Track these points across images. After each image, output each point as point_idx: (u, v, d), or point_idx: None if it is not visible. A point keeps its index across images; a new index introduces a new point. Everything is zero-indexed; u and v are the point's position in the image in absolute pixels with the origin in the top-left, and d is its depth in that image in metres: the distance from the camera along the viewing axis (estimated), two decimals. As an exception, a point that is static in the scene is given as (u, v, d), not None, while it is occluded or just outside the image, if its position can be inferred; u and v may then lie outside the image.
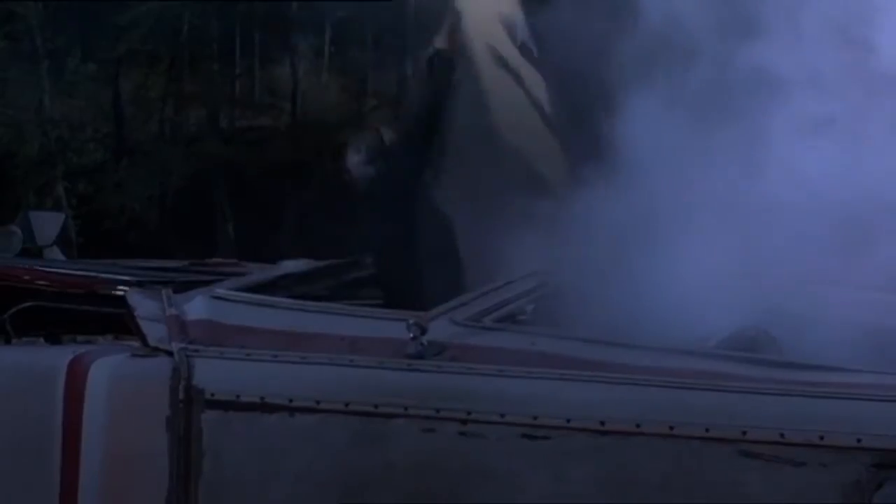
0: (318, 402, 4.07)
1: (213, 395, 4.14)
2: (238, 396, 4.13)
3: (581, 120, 5.27)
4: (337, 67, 22.36)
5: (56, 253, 6.54)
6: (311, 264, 5.71)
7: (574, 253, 5.40)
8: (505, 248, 5.35)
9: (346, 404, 4.06)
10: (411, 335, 4.21)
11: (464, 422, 3.98)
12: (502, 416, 3.96)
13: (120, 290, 4.97)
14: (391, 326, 4.34)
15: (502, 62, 5.70)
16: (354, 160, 5.56)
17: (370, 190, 5.33)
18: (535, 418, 3.94)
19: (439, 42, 5.33)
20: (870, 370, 4.12)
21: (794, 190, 5.03)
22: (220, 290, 4.83)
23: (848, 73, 5.11)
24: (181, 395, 4.15)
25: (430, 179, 5.30)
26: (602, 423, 3.90)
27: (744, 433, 3.81)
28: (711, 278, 4.97)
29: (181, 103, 21.36)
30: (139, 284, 5.04)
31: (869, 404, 3.85)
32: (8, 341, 4.77)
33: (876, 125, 5.04)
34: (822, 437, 3.76)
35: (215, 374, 4.19)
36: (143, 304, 4.74)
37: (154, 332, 4.47)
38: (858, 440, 3.74)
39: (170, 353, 4.25)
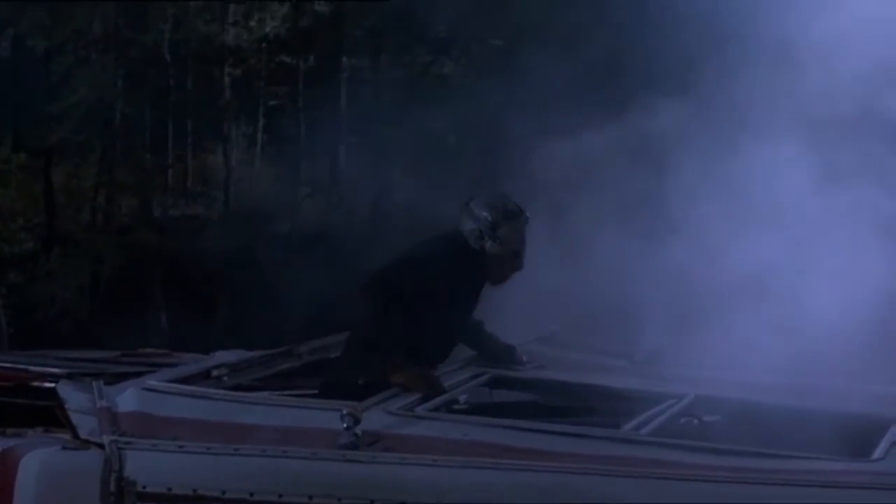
0: (251, 494, 4.04)
1: (144, 487, 4.10)
2: (170, 489, 4.09)
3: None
4: (270, 156, 22.38)
5: (-14, 344, 6.49)
6: (243, 354, 5.69)
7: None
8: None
9: (280, 496, 4.04)
10: (345, 425, 4.19)
11: (398, 512, 3.97)
12: (436, 506, 3.96)
13: (50, 383, 4.93)
14: (325, 417, 4.33)
15: None
16: None
17: None
18: (470, 508, 3.94)
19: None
20: (801, 455, 4.15)
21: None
22: (151, 382, 4.81)
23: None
24: (112, 488, 4.11)
25: None
26: (536, 512, 3.90)
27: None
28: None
29: (113, 192, 21.26)
30: (70, 376, 5.01)
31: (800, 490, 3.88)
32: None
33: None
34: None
35: (147, 466, 4.15)
36: (73, 397, 4.72)
37: (85, 424, 4.44)
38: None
39: (101, 446, 4.21)
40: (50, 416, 4.70)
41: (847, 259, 5.20)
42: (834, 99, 5.41)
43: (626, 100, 6.03)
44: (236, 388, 5.03)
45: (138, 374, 5.08)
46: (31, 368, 5.21)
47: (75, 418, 4.50)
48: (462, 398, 4.87)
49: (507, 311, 5.52)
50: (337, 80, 20.09)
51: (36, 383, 5.03)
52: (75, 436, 4.39)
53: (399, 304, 4.96)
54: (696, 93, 5.71)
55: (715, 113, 5.58)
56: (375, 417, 4.39)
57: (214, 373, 5.21)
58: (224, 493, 4.06)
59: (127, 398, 4.65)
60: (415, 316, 4.97)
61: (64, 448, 4.29)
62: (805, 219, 5.33)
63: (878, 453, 4.16)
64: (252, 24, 21.60)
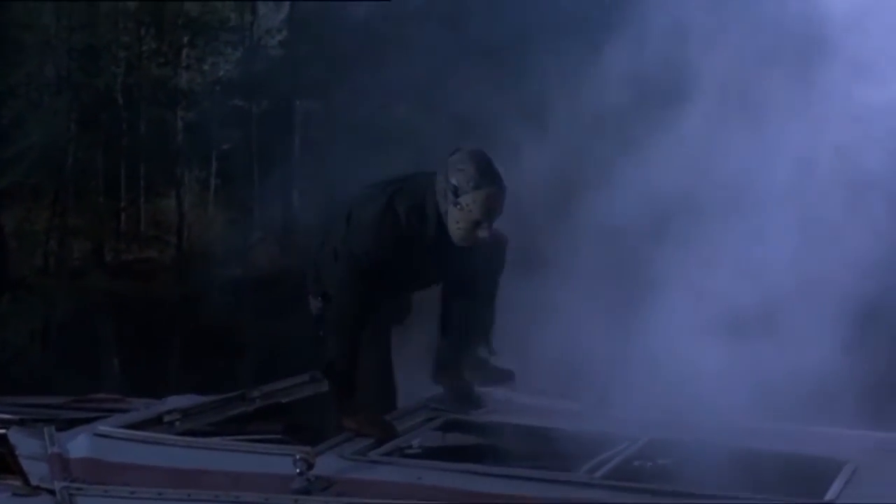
0: (203, 540, 4.03)
1: (96, 534, 4.08)
2: (122, 536, 4.08)
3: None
4: (223, 200, 22.36)
5: (-64, 390, 6.43)
6: (196, 399, 5.66)
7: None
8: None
9: (232, 541, 4.02)
10: (298, 470, 4.18)
11: (351, 557, 3.96)
12: (390, 551, 3.95)
13: (1, 429, 4.89)
14: (277, 462, 4.32)
15: None
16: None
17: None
18: (423, 553, 3.94)
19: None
20: (756, 497, 4.16)
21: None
22: (103, 428, 4.78)
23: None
24: (64, 536, 4.09)
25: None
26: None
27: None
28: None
29: (66, 236, 21.19)
30: (21, 422, 4.97)
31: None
32: None
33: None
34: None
35: (99, 513, 4.13)
36: (24, 443, 4.68)
37: (36, 470, 4.41)
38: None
39: (52, 492, 4.19)
40: (0, 462, 4.67)
41: (805, 304, 5.22)
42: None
43: (580, 141, 6.04)
44: (189, 433, 5.00)
45: (90, 420, 5.04)
46: (-19, 415, 5.17)
47: (26, 465, 4.47)
48: (415, 442, 4.86)
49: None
50: (290, 123, 20.12)
51: (-14, 430, 4.99)
52: (26, 482, 4.35)
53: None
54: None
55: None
56: (329, 462, 4.38)
57: (167, 418, 5.18)
58: (176, 539, 4.04)
59: (79, 444, 4.62)
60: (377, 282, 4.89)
61: (14, 494, 4.27)
62: (762, 259, 5.35)
63: (831, 494, 4.18)
64: (205, 67, 21.64)
